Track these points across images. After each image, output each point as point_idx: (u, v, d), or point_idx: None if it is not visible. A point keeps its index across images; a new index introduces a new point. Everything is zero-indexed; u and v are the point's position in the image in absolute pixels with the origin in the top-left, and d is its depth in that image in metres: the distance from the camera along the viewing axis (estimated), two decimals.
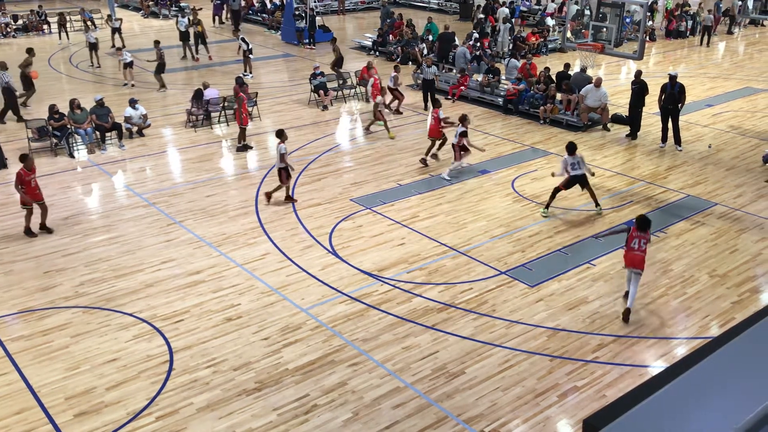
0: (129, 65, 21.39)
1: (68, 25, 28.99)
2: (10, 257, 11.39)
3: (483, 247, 11.69)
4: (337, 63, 21.22)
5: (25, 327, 9.51)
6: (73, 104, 16.31)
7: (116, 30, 26.26)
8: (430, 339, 9.22)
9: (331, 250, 11.55)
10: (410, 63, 24.39)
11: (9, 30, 29.31)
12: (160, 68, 21.12)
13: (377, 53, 26.24)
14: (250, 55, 22.90)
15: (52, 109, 16.02)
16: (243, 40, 22.74)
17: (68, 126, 16.03)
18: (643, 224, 9.52)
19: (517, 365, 8.70)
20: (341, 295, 10.25)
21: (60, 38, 28.21)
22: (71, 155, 15.78)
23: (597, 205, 12.79)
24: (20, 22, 30.16)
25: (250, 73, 22.77)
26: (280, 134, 13.16)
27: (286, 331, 9.41)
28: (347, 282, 10.61)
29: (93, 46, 23.66)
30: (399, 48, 25.40)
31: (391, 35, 26.48)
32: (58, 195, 13.70)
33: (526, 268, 11.01)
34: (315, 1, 29.61)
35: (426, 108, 19.10)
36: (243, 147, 16.08)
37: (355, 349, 9.04)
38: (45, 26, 30.08)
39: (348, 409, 7.98)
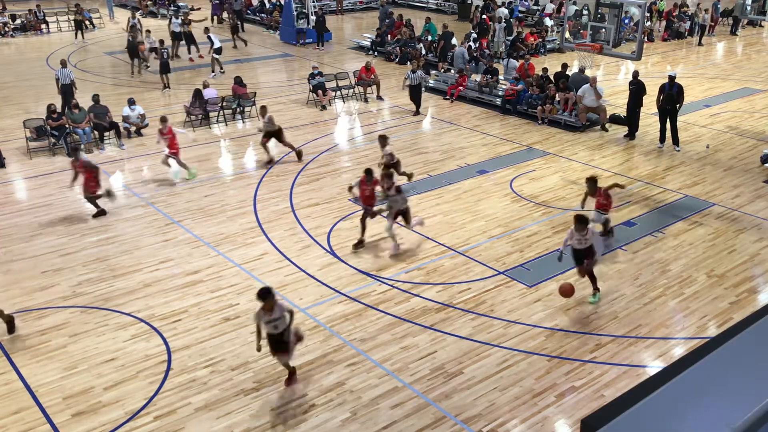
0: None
1: (84, 24, 28.98)
2: (8, 257, 11.38)
3: (481, 247, 11.69)
4: (234, 30, 26.87)
5: (23, 326, 9.50)
6: (71, 103, 16.29)
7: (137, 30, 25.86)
8: (428, 339, 9.22)
9: (329, 250, 11.55)
10: (409, 63, 24.37)
11: (7, 29, 29.28)
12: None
13: (375, 53, 26.23)
14: (216, 55, 22.63)
15: (50, 109, 16.00)
16: (209, 38, 22.65)
17: (66, 126, 16.02)
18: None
19: (515, 365, 8.70)
20: (339, 295, 10.25)
21: (76, 37, 28.22)
22: (69, 155, 15.74)
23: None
24: (18, 21, 30.12)
25: (218, 72, 22.65)
26: None
27: None
28: (345, 282, 10.61)
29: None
30: (397, 48, 25.39)
31: (389, 35, 26.48)
32: (56, 194, 13.69)
33: (524, 268, 11.02)
34: (314, 1, 29.53)
35: (418, 112, 18.89)
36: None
37: (353, 349, 9.04)
38: (43, 26, 30.05)
39: (346, 408, 7.98)
